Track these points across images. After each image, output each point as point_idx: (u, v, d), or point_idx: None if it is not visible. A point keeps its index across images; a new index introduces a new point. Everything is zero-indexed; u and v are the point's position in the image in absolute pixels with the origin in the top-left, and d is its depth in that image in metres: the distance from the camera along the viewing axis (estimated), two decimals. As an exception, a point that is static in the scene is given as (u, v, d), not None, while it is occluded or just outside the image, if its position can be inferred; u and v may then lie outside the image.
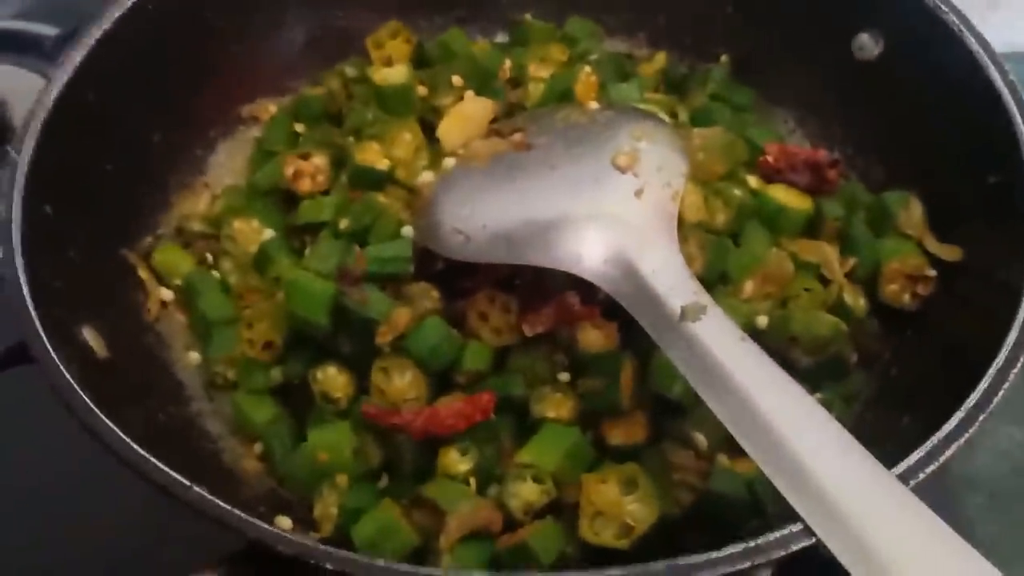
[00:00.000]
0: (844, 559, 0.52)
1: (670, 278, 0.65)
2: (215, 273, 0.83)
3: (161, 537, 0.65)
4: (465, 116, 0.85)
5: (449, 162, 0.79)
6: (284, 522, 0.67)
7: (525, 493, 0.68)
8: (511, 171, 0.75)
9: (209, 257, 0.84)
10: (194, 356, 0.80)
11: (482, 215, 0.72)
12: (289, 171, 0.84)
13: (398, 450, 0.71)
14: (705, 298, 0.63)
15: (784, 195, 0.81)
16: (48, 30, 1.14)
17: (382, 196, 0.81)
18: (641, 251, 0.67)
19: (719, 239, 0.77)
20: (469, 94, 0.88)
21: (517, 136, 0.78)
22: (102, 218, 0.79)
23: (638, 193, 0.71)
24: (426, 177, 0.80)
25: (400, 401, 0.71)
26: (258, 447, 0.75)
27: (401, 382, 0.72)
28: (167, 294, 0.82)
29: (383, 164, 0.82)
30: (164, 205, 0.87)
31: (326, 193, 0.84)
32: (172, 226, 0.86)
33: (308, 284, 0.74)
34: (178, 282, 0.83)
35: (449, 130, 0.84)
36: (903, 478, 0.58)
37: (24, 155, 0.72)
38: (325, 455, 0.70)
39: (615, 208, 0.70)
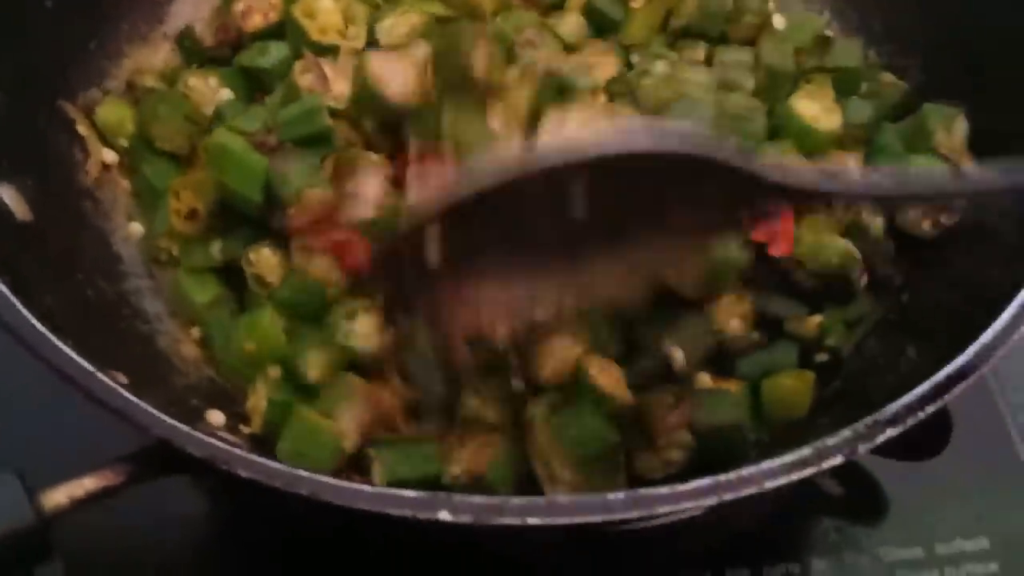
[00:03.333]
0: None
1: None
2: (165, 136, 0.75)
3: (71, 427, 0.58)
4: None
5: None
6: (215, 416, 0.62)
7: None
8: None
9: (160, 118, 0.76)
10: (136, 227, 0.73)
11: None
12: (239, 7, 0.74)
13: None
14: None
15: (808, 108, 0.71)
16: None
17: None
18: None
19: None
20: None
21: None
22: (37, 61, 0.71)
23: None
24: None
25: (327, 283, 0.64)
26: (196, 331, 0.69)
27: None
28: (110, 156, 0.74)
29: None
30: (115, 55, 0.78)
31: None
32: (122, 80, 0.77)
33: (242, 153, 0.65)
34: (124, 143, 0.74)
35: None
36: (902, 415, 0.51)
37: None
38: (252, 345, 0.63)
39: None
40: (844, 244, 0.68)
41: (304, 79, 0.69)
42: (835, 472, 0.70)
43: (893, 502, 0.71)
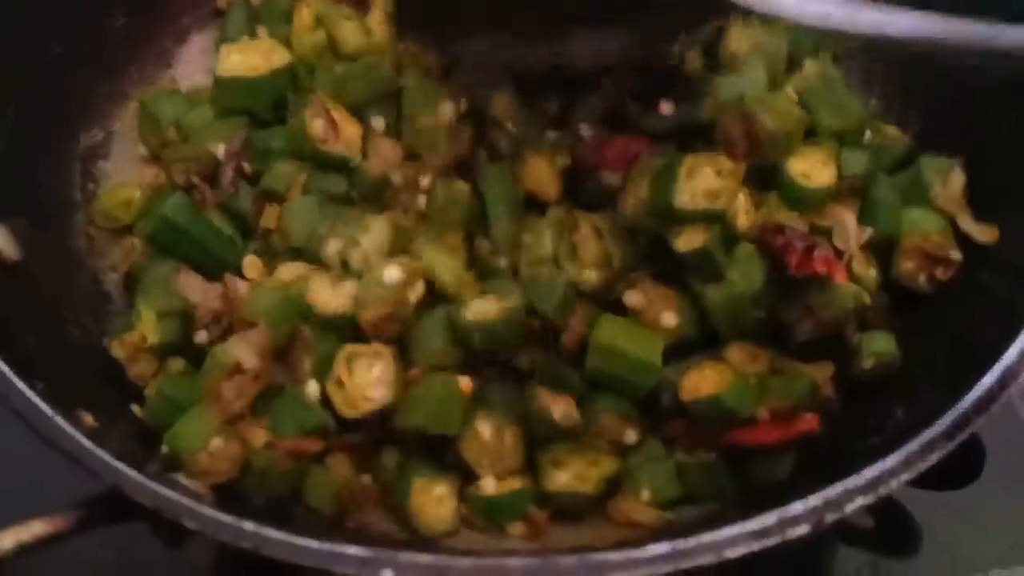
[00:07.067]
0: None
1: None
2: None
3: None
4: None
5: None
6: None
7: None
8: None
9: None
10: (130, 265, 0.74)
11: None
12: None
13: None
14: None
15: (802, 167, 0.69)
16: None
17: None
18: None
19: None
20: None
21: None
22: (42, 105, 0.73)
23: None
24: None
25: None
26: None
27: None
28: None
29: None
30: (121, 97, 0.80)
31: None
32: (128, 122, 0.79)
33: None
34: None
35: None
36: (880, 479, 0.51)
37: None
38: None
39: None
40: (854, 287, 0.66)
41: (315, 125, 0.69)
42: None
43: (926, 533, 0.69)
